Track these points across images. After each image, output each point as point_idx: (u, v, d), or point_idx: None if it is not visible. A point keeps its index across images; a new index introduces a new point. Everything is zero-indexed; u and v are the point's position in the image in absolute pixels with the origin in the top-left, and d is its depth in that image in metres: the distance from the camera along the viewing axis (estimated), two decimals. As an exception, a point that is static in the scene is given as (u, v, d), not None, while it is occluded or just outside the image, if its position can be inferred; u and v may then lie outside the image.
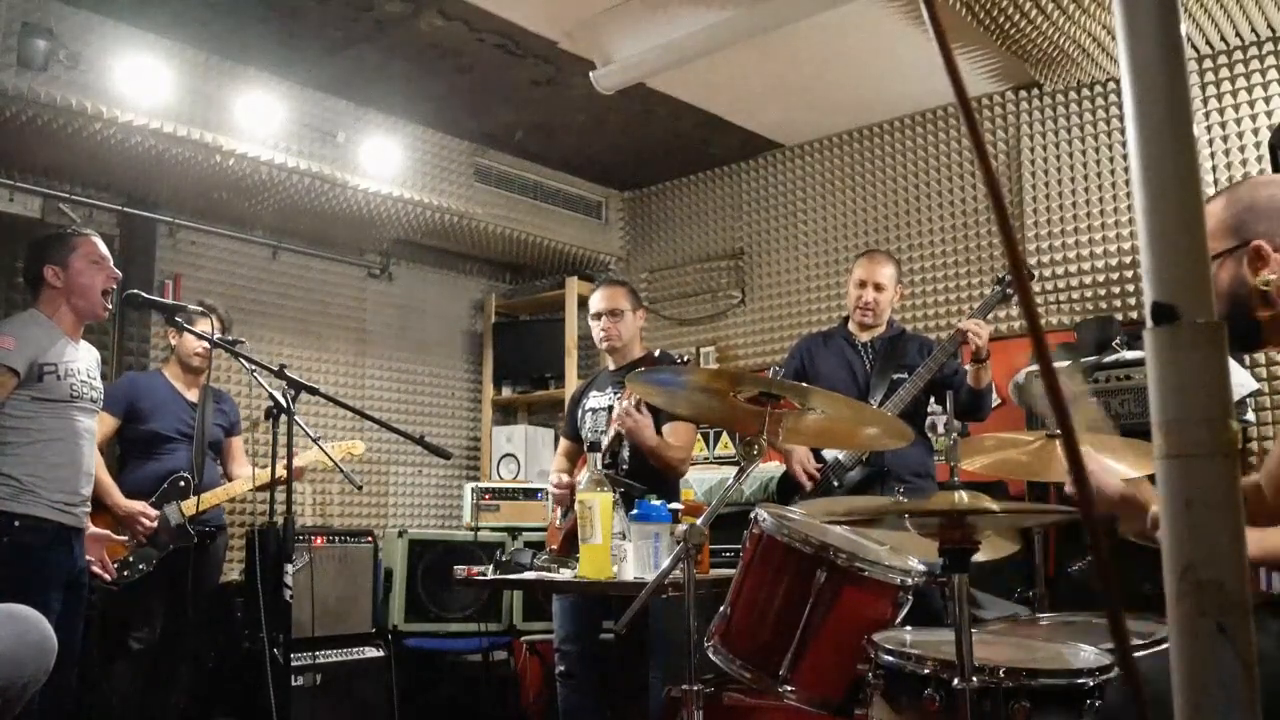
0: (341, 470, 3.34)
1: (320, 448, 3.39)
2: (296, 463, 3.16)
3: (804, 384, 2.26)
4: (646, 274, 5.87)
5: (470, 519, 4.98)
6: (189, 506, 3.84)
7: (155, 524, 3.75)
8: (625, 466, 3.38)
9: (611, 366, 3.67)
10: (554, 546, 3.35)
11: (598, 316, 3.58)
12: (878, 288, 3.65)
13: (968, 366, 3.43)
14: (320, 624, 3.94)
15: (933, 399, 3.56)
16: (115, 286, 3.28)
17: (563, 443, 3.79)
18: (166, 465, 3.90)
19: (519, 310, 6.20)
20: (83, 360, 3.24)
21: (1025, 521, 2.55)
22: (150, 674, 3.81)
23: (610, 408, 3.46)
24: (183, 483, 3.89)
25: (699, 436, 4.94)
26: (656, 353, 3.67)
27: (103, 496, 3.76)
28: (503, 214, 5.36)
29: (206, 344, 3.94)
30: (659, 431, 3.36)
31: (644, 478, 3.23)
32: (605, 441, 3.36)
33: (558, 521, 3.40)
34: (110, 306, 3.29)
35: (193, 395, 4.05)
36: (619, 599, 2.85)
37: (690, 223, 5.76)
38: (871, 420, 2.64)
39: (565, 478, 3.41)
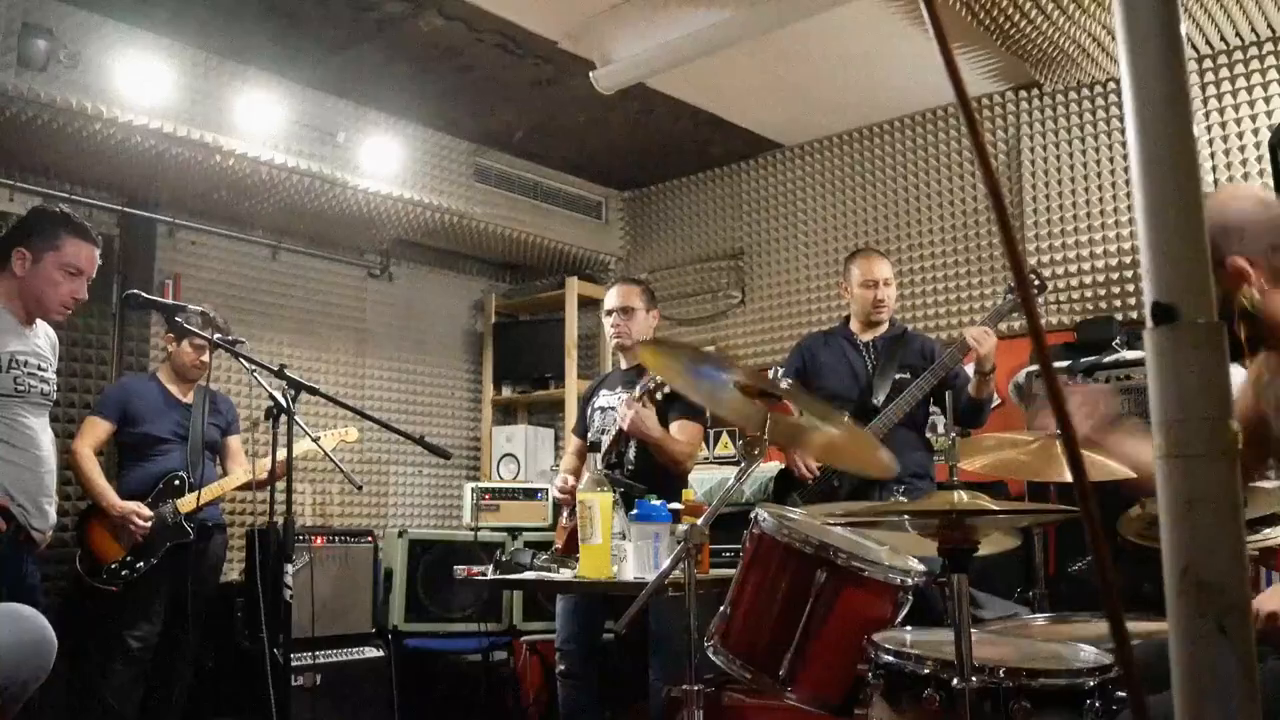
0: (342, 470, 3.33)
1: (319, 445, 3.39)
2: (286, 452, 3.10)
3: (812, 397, 2.24)
4: (646, 274, 5.85)
5: (470, 519, 4.97)
6: (186, 504, 3.84)
7: (149, 524, 3.75)
8: (631, 466, 3.37)
9: (623, 365, 3.67)
10: (559, 545, 3.35)
11: (610, 313, 3.57)
12: (886, 284, 3.68)
13: (970, 369, 3.41)
14: (320, 624, 3.93)
15: (932, 401, 3.55)
16: (80, 301, 3.08)
17: (573, 441, 3.79)
18: (162, 466, 3.91)
19: (519, 310, 6.20)
20: (32, 348, 3.04)
21: (1024, 521, 2.55)
22: (150, 674, 3.81)
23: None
24: (177, 481, 3.89)
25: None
26: None
27: (97, 499, 3.77)
28: (503, 214, 5.36)
29: (204, 358, 3.94)
30: (666, 428, 3.35)
31: (649, 478, 3.22)
32: (606, 441, 3.35)
33: (564, 520, 3.40)
34: (67, 314, 3.08)
35: (187, 398, 4.05)
36: (620, 599, 2.85)
37: (690, 223, 5.76)
38: (865, 446, 2.47)
39: (571, 480, 3.40)
